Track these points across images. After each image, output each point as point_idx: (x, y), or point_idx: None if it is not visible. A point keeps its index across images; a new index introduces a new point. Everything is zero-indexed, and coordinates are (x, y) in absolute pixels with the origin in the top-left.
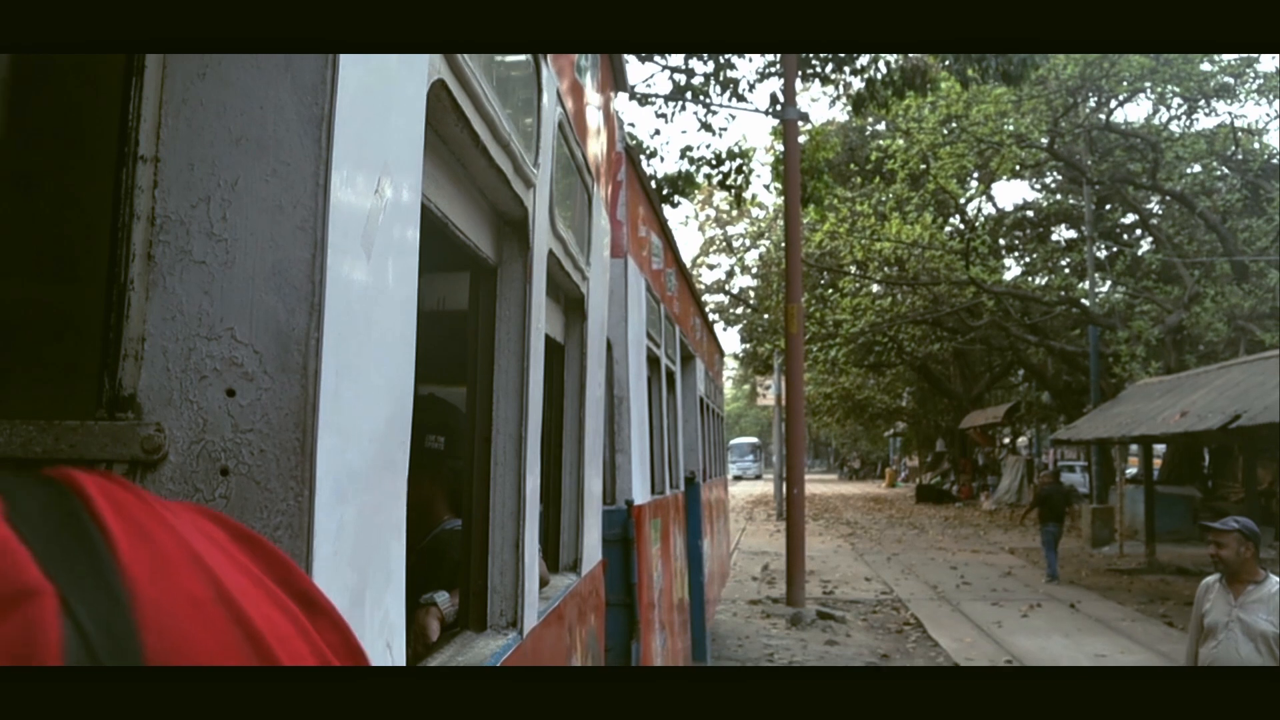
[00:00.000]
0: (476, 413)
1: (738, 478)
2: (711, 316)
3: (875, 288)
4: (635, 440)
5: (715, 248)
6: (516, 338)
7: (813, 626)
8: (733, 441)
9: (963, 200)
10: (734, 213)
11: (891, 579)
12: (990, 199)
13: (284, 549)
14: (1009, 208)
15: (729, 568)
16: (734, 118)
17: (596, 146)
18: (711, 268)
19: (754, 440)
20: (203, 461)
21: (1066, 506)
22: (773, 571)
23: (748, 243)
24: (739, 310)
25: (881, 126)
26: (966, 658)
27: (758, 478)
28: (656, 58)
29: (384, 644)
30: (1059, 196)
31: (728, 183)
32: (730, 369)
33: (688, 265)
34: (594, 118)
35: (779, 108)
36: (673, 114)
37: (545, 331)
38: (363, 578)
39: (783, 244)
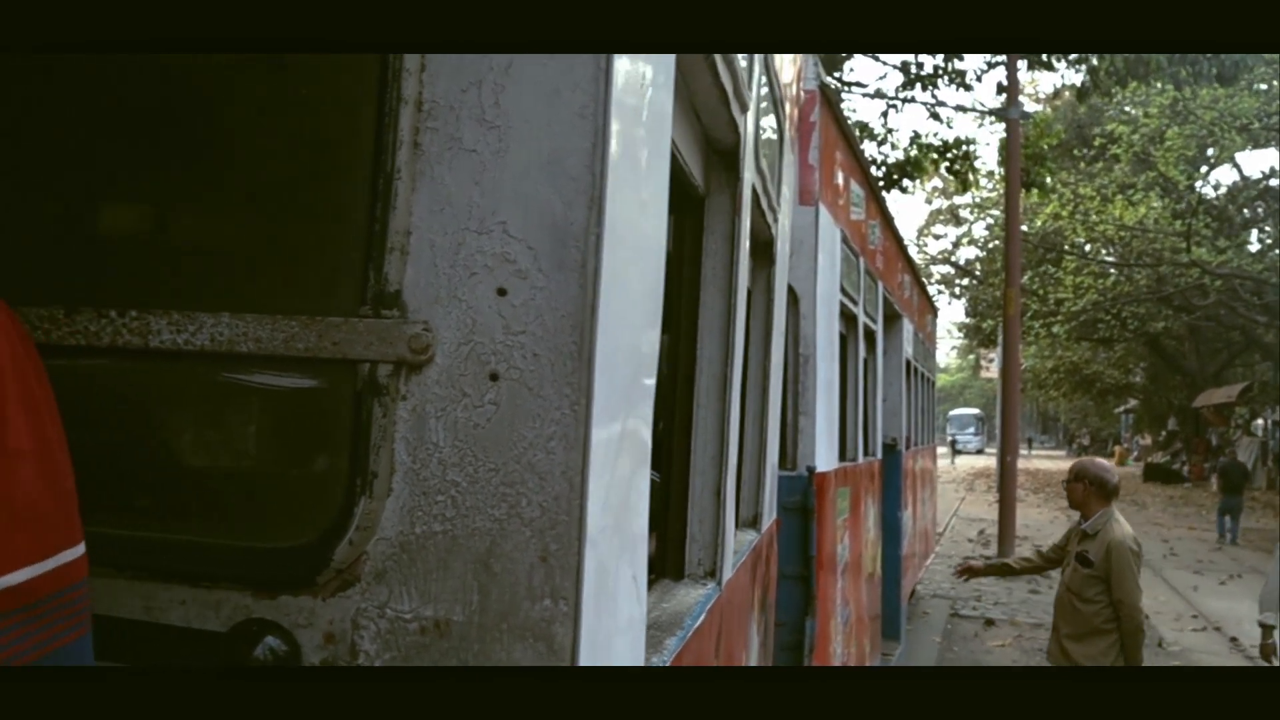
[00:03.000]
0: (679, 351)
1: (958, 451)
2: (937, 288)
3: (1097, 266)
4: (822, 403)
5: (942, 218)
6: (723, 273)
7: (1018, 580)
8: (952, 412)
9: (1183, 186)
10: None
11: None
12: (1235, 166)
13: (557, 462)
14: (1256, 175)
15: (934, 541)
16: (961, 110)
17: (787, 80)
18: (938, 238)
19: (976, 412)
20: (471, 364)
21: (1245, 481)
22: (987, 535)
23: (975, 214)
24: (964, 282)
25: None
26: (1155, 612)
27: (979, 452)
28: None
29: (630, 575)
30: None
31: (954, 169)
32: (955, 339)
33: (915, 235)
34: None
35: (1002, 107)
36: (903, 104)
37: None
38: (622, 501)
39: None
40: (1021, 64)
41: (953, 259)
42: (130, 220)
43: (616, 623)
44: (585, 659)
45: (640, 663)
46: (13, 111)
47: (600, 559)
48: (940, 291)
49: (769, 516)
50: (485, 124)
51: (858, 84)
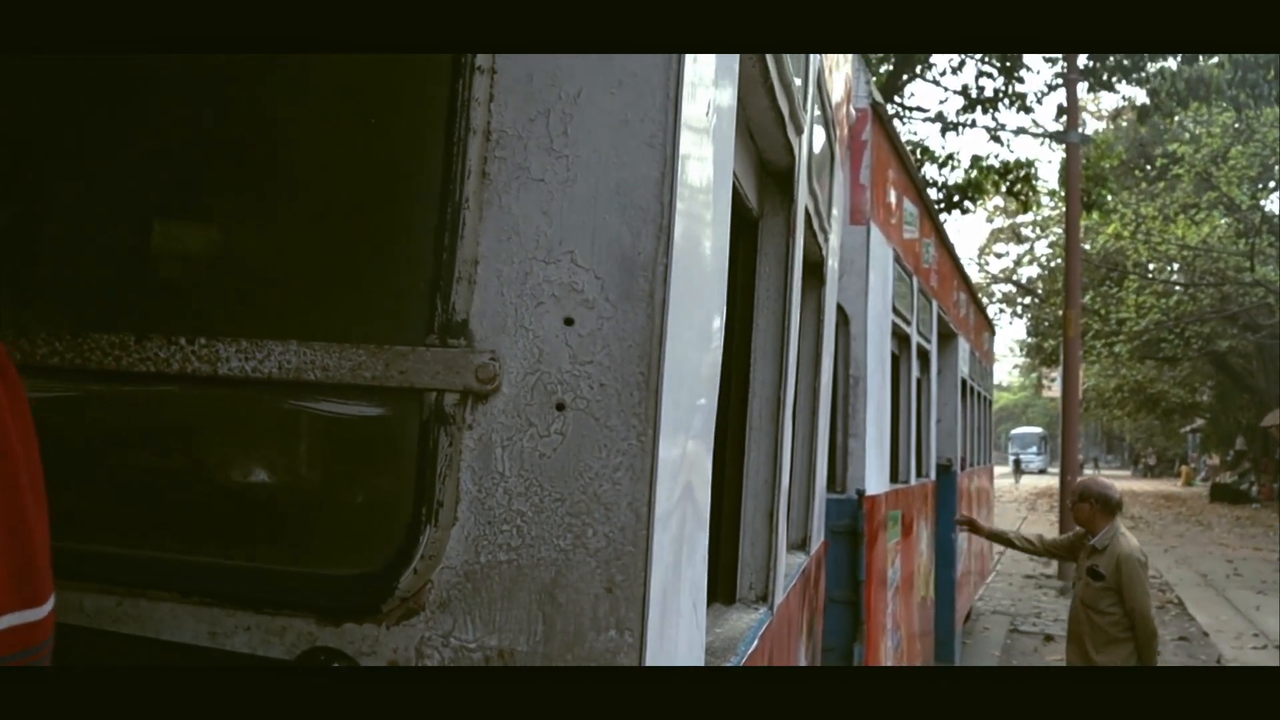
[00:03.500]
0: (732, 373)
1: (1021, 471)
2: (999, 306)
3: (1159, 286)
4: (872, 425)
5: (1003, 236)
6: (776, 296)
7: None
8: (1014, 431)
9: (1246, 206)
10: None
11: (1164, 567)
12: None
13: (623, 493)
14: None
15: (991, 561)
16: (1021, 132)
17: (838, 99)
18: (999, 256)
19: (1039, 431)
20: (538, 394)
21: None
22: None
23: (1036, 232)
24: (1026, 300)
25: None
26: (1216, 630)
27: (1042, 471)
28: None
29: (690, 604)
30: None
31: (1014, 190)
32: (1017, 358)
33: (977, 254)
34: (838, 68)
35: (1061, 131)
36: (963, 127)
37: None
38: (681, 531)
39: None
40: (1082, 85)
41: (1014, 277)
42: (200, 247)
43: (678, 652)
44: None
45: None
46: (84, 140)
47: (664, 589)
48: (1001, 310)
49: (817, 539)
50: (553, 153)
51: (919, 109)
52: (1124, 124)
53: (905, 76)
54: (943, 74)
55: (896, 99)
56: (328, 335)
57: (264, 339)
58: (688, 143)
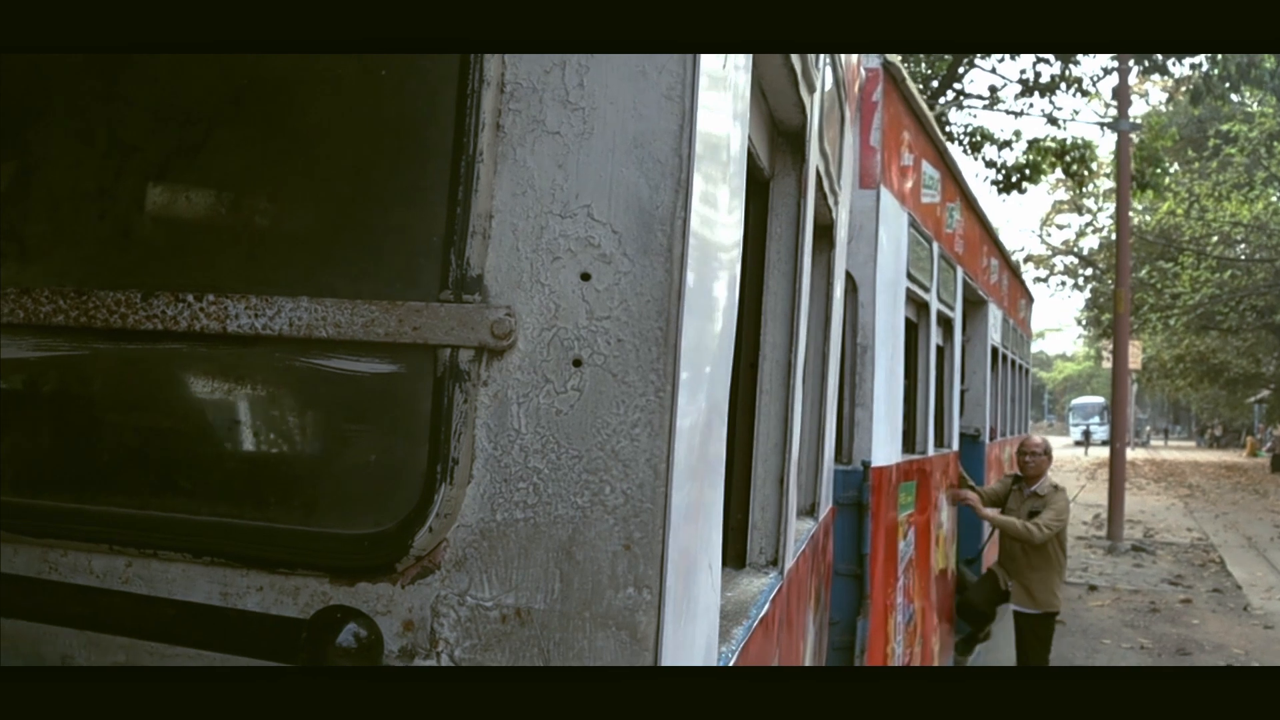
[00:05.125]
0: (743, 335)
1: (1077, 443)
2: (1060, 278)
3: (1213, 261)
4: (881, 395)
5: (1065, 208)
6: (787, 257)
7: (1125, 555)
8: (1074, 401)
9: None
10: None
11: (1211, 531)
12: None
13: (641, 449)
14: None
15: None
16: (1072, 118)
17: (849, 59)
18: (1061, 228)
19: (1100, 400)
20: (554, 350)
21: None
22: (1101, 519)
23: (1099, 203)
24: (1088, 272)
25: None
26: (1250, 585)
27: (1104, 443)
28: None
29: (706, 564)
30: None
31: (1070, 170)
32: (1081, 330)
33: (1039, 225)
34: None
35: (1112, 120)
36: (1022, 111)
37: None
38: (700, 489)
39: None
40: (1137, 69)
41: (1074, 249)
42: (208, 203)
43: (695, 611)
44: (668, 648)
45: (715, 651)
46: (87, 99)
47: (682, 547)
48: (1063, 284)
49: (825, 505)
50: (569, 105)
51: (979, 96)
52: (1181, 100)
53: (964, 67)
54: (1000, 60)
55: (956, 85)
56: (339, 291)
57: (274, 295)
58: (706, 96)
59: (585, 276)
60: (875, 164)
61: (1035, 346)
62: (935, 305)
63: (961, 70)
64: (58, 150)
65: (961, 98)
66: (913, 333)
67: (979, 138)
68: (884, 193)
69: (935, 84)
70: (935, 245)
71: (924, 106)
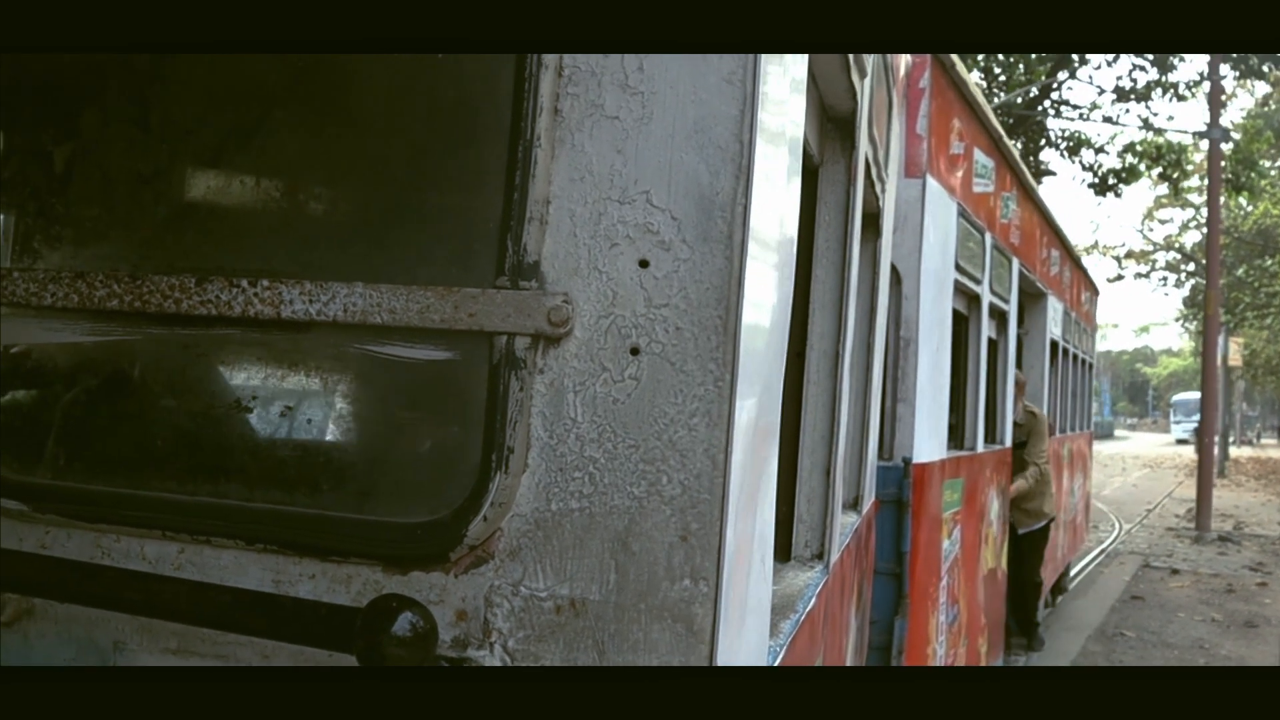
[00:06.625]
0: (790, 325)
1: (1181, 440)
2: (1162, 274)
3: None
4: (925, 389)
5: (1166, 202)
6: (836, 246)
7: (1210, 544)
8: (1176, 398)
9: None
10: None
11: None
12: None
13: (699, 439)
14: None
15: (1085, 531)
16: (1170, 119)
17: None
18: (1163, 223)
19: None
20: (611, 338)
21: None
22: (1193, 513)
23: (1202, 197)
24: (1189, 268)
25: None
26: None
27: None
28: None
29: (760, 558)
30: None
31: (1166, 173)
32: (1181, 327)
33: (1141, 220)
34: None
35: (1205, 129)
36: (1117, 118)
37: None
38: (756, 480)
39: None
40: (1233, 73)
41: (1176, 244)
42: (263, 188)
43: (748, 605)
44: (723, 641)
45: (765, 646)
46: (142, 82)
47: (738, 539)
48: (1164, 280)
49: (869, 499)
50: (628, 90)
51: (1076, 105)
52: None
53: (1063, 75)
54: (1097, 68)
55: (1054, 93)
56: (394, 277)
57: (328, 281)
58: (766, 80)
59: (644, 263)
60: (921, 152)
61: (1139, 341)
62: (987, 298)
63: (1063, 77)
64: (112, 134)
65: (1059, 106)
66: (963, 326)
67: (1075, 142)
68: (930, 182)
69: (1034, 92)
70: (988, 236)
71: (977, 94)
